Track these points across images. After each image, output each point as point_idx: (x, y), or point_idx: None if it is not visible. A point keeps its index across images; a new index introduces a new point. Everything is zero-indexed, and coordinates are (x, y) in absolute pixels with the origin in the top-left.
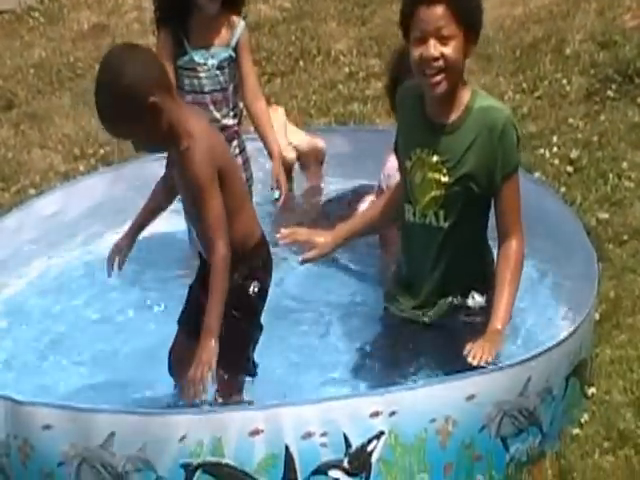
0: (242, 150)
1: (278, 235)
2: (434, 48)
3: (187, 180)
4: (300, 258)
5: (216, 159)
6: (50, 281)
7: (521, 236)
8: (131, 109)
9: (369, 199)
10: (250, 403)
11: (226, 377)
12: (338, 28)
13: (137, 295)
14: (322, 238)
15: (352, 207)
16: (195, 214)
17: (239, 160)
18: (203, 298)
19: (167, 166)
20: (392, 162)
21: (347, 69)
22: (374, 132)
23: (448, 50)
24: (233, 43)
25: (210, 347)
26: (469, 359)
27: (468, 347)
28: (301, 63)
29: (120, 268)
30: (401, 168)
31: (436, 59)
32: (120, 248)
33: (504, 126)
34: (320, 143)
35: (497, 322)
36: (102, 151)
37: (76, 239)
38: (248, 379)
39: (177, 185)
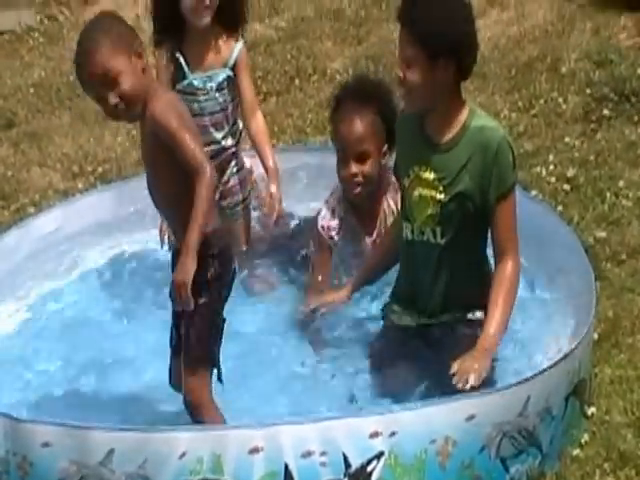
0: (239, 170)
1: (304, 309)
2: (400, 71)
3: (155, 137)
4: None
5: (179, 110)
6: (49, 298)
7: (516, 255)
8: (124, 46)
9: (324, 212)
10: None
11: (188, 369)
12: (334, 47)
13: (135, 310)
14: (340, 295)
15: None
16: (163, 187)
17: (236, 180)
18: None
19: None
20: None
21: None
22: None
23: (410, 73)
24: (231, 63)
25: (186, 265)
26: (454, 381)
27: (454, 367)
28: (297, 82)
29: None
30: (400, 187)
31: (401, 81)
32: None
33: (499, 146)
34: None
35: (485, 341)
36: (101, 169)
37: (75, 257)
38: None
39: (145, 160)
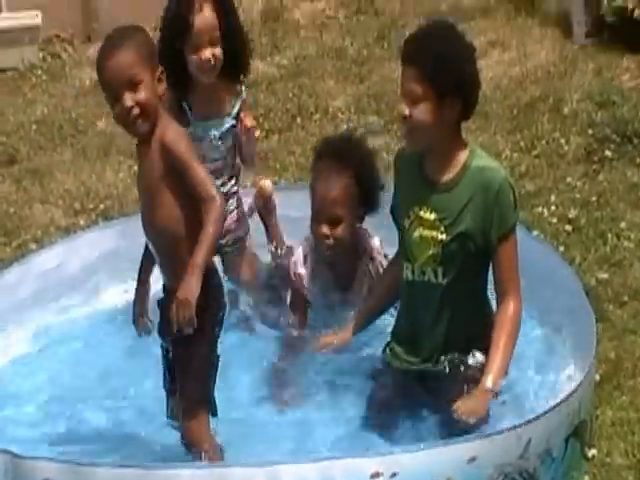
0: (238, 206)
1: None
2: (403, 108)
3: (163, 163)
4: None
5: (189, 140)
6: (50, 335)
7: (518, 296)
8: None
9: (296, 258)
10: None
11: (187, 410)
12: (336, 85)
13: (135, 346)
14: (341, 338)
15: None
16: (164, 217)
17: (234, 215)
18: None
19: None
20: None
21: (345, 126)
22: None
23: (416, 111)
24: (234, 113)
25: (192, 284)
26: (455, 419)
27: (455, 407)
28: (298, 120)
29: (149, 330)
30: (400, 227)
31: (404, 118)
32: (139, 313)
33: (500, 186)
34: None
35: (488, 381)
36: (102, 206)
37: (77, 293)
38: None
39: (146, 189)
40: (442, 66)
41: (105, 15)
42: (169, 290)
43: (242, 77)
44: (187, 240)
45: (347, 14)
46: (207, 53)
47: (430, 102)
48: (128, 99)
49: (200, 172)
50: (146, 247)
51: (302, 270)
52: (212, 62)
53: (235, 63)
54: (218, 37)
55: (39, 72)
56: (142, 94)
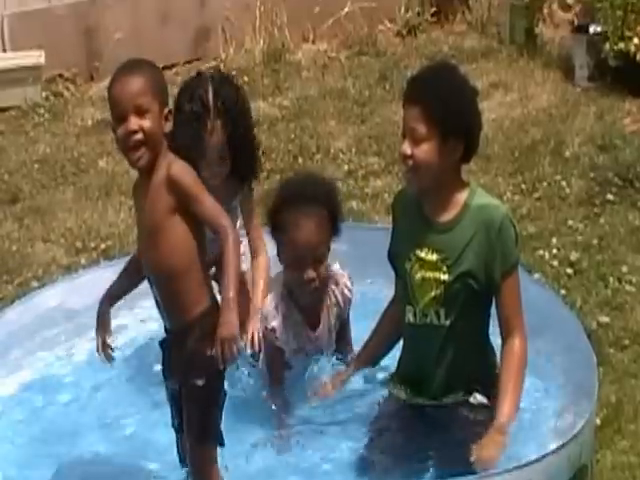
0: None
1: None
2: (406, 146)
3: (169, 196)
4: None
5: (195, 173)
6: (51, 374)
7: (523, 333)
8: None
9: (268, 311)
10: None
11: (195, 447)
12: (337, 126)
13: (135, 385)
14: (343, 376)
15: None
16: (166, 254)
17: None
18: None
19: None
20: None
21: (346, 167)
22: (373, 230)
23: (419, 151)
24: (237, 202)
25: (231, 319)
26: (476, 466)
27: (474, 454)
28: (300, 160)
29: (110, 359)
30: (399, 272)
31: (407, 156)
32: (103, 338)
33: (501, 223)
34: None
35: (502, 420)
36: (103, 245)
37: (77, 332)
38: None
39: (148, 225)
40: (447, 106)
41: (108, 55)
42: (171, 331)
43: (252, 179)
44: (190, 274)
45: (349, 55)
46: (214, 167)
47: (433, 142)
48: (133, 122)
49: (210, 203)
50: (126, 266)
51: (274, 323)
52: (220, 171)
53: (243, 169)
54: (227, 152)
55: (42, 111)
56: (148, 122)
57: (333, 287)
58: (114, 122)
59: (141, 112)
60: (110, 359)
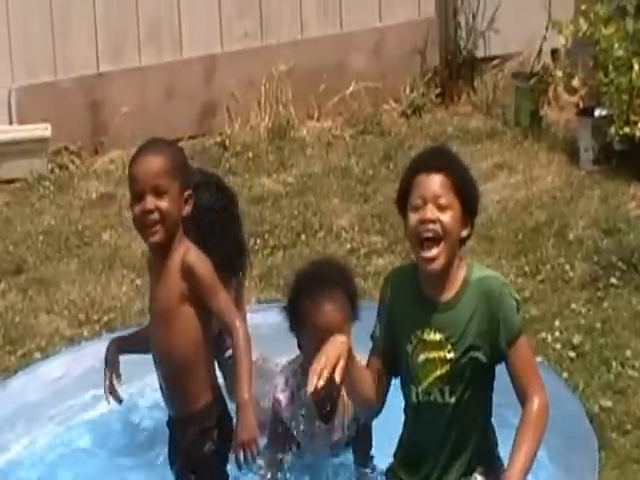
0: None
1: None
2: (431, 212)
3: (183, 285)
4: None
5: (210, 264)
6: (51, 445)
7: (541, 391)
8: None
9: (277, 381)
10: None
11: None
12: (340, 204)
13: (136, 461)
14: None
15: None
16: (178, 343)
17: None
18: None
19: None
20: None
21: (349, 245)
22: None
23: (445, 217)
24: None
25: (249, 422)
26: None
27: None
28: (303, 237)
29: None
30: (399, 354)
31: (433, 221)
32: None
33: (501, 292)
34: None
35: (513, 475)
36: (106, 318)
37: (79, 404)
38: None
39: (157, 308)
40: (465, 177)
41: (113, 129)
42: (175, 420)
43: (239, 273)
44: (199, 366)
45: (353, 134)
46: None
47: (456, 211)
48: (150, 202)
49: (223, 297)
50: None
51: (281, 395)
52: None
53: (230, 260)
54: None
55: (47, 183)
56: (165, 203)
57: None
58: (132, 199)
59: (159, 193)
60: (119, 400)
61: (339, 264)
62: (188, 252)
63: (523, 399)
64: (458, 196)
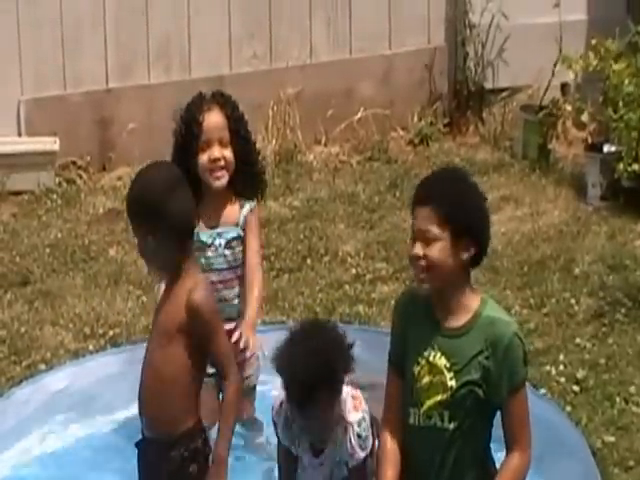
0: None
1: None
2: (418, 248)
3: (185, 320)
4: None
5: (214, 300)
6: (54, 455)
7: (526, 449)
8: None
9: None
10: None
11: None
12: (346, 230)
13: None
14: None
15: None
16: (166, 366)
17: (241, 357)
18: None
19: None
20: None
21: (354, 270)
22: (378, 334)
23: (432, 251)
24: (241, 222)
25: (222, 474)
26: None
27: None
28: (309, 261)
29: None
30: (406, 376)
31: (419, 258)
32: None
33: (510, 341)
34: None
35: None
36: (111, 332)
37: (82, 416)
38: None
39: (157, 323)
40: (457, 204)
41: (121, 146)
42: (154, 442)
43: (254, 196)
44: (181, 388)
45: (360, 160)
46: (216, 152)
47: (445, 241)
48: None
49: (223, 342)
50: None
51: (276, 419)
52: (222, 163)
53: (246, 179)
54: (228, 138)
55: (54, 196)
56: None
57: (342, 431)
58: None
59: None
60: None
61: (327, 325)
62: (195, 289)
63: (508, 449)
64: (446, 226)
